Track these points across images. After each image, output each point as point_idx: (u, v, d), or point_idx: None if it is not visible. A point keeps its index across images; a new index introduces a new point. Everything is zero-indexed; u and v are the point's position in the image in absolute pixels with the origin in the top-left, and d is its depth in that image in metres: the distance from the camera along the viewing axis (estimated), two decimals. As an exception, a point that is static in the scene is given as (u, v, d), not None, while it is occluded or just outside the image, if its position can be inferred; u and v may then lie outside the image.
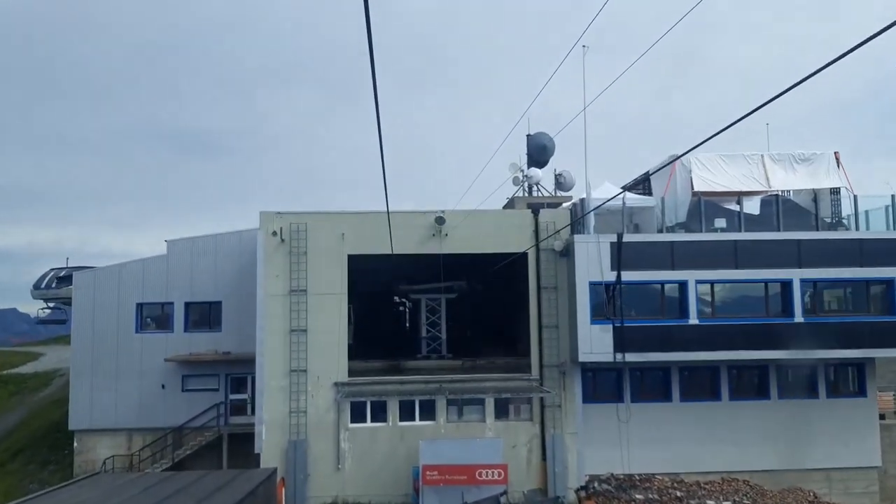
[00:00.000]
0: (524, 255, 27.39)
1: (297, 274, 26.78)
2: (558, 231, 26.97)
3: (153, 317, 32.07)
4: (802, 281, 26.20)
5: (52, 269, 40.61)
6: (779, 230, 26.87)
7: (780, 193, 27.50)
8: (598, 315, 26.01)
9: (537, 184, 42.07)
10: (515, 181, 41.42)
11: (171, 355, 30.82)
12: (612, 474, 27.04)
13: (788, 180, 27.51)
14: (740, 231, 26.76)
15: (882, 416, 28.75)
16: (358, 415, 26.80)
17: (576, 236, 26.43)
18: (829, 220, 27.74)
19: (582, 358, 25.90)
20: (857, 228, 27.01)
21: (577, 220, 26.87)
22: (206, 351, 31.15)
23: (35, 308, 48.85)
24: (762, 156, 27.86)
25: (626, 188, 27.99)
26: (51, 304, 41.58)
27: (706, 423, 27.47)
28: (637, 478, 26.92)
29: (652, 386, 28.15)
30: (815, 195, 27.45)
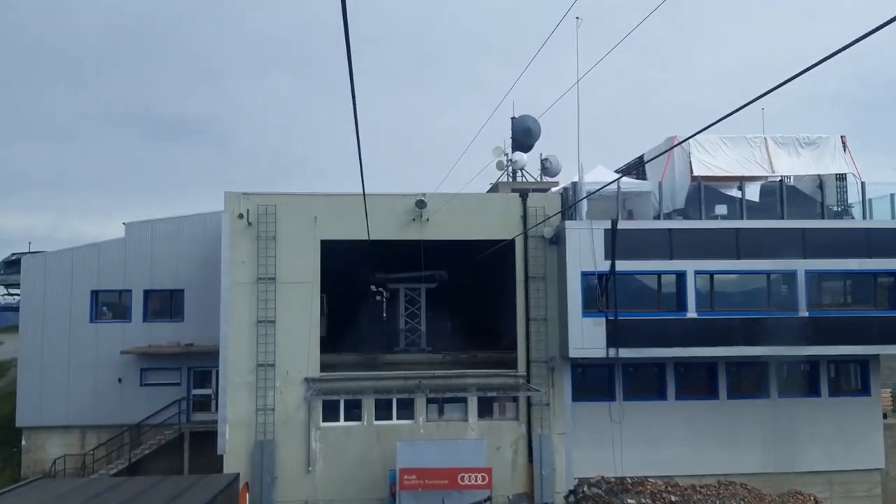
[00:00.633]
0: (511, 243, 25.48)
1: (265, 260, 24.63)
2: (548, 217, 25.08)
3: (109, 305, 29.73)
4: (807, 272, 24.56)
5: (13, 254, 38.21)
6: (782, 218, 25.21)
7: (783, 179, 25.80)
8: (590, 307, 24.20)
9: (522, 169, 40.24)
10: (499, 166, 39.56)
11: (128, 347, 28.52)
12: (602, 477, 25.33)
13: (793, 165, 25.78)
14: (742, 218, 25.05)
15: (884, 416, 27.30)
16: (330, 413, 24.79)
17: (567, 222, 24.55)
18: (834, 209, 26.12)
19: (573, 353, 24.08)
20: (864, 217, 25.41)
21: (570, 206, 24.98)
22: (166, 343, 28.92)
23: (-5, 294, 46.39)
24: (765, 139, 26.11)
25: (621, 171, 26.16)
26: (11, 291, 39.21)
27: (702, 422, 25.81)
28: (629, 481, 25.24)
29: (645, 383, 26.39)
30: (821, 181, 25.78)
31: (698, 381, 26.44)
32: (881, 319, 24.66)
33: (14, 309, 42.32)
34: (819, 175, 25.87)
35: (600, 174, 26.39)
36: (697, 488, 25.15)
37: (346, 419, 24.81)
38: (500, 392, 24.65)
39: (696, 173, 25.57)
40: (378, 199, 24.96)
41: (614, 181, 23.50)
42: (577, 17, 23.54)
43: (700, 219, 25.01)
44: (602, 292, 24.20)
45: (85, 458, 27.99)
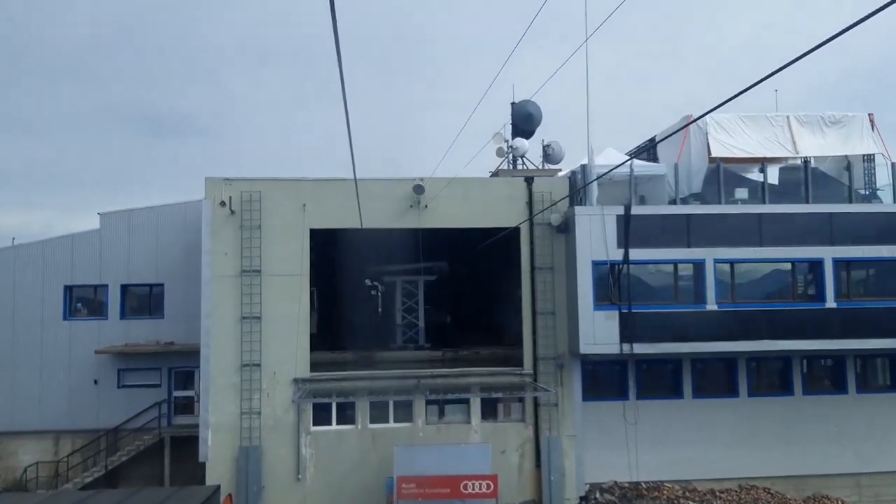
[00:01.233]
0: (516, 231, 23.62)
1: (249, 251, 22.70)
2: (555, 203, 23.21)
3: (84, 301, 27.76)
4: (835, 260, 22.78)
5: None
6: (807, 202, 23.42)
7: (807, 160, 23.99)
8: (601, 300, 22.38)
9: (523, 156, 38.37)
10: (500, 153, 37.66)
11: (104, 346, 26.56)
12: (615, 482, 23.60)
13: (818, 145, 24.01)
14: (764, 203, 23.25)
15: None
16: (322, 416, 22.91)
17: (577, 208, 22.70)
18: (862, 192, 24.34)
19: (584, 350, 22.24)
20: (895, 200, 23.64)
21: (580, 189, 23.11)
22: (145, 341, 26.97)
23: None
24: (787, 117, 24.35)
25: (633, 153, 24.32)
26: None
27: (721, 422, 24.05)
28: (644, 486, 23.52)
29: (660, 381, 24.65)
30: (849, 162, 23.98)
31: (717, 378, 24.72)
32: (915, 310, 22.89)
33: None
34: (846, 156, 24.08)
35: (610, 157, 24.49)
36: (717, 493, 23.44)
37: (338, 423, 22.95)
38: (507, 392, 22.77)
39: (713, 155, 23.81)
40: (372, 185, 23.11)
41: (627, 161, 21.65)
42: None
43: (719, 203, 23.19)
44: (615, 283, 22.39)
45: (59, 466, 26.04)
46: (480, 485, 20.82)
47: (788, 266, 23.22)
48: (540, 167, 38.30)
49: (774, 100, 26.99)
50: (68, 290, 27.35)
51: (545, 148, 38.84)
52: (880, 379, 25.14)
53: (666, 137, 25.02)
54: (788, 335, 22.46)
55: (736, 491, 23.57)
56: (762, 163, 23.68)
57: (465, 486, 20.76)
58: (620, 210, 22.46)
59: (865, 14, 5.46)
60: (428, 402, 22.96)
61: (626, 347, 22.05)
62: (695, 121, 22.13)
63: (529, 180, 24.38)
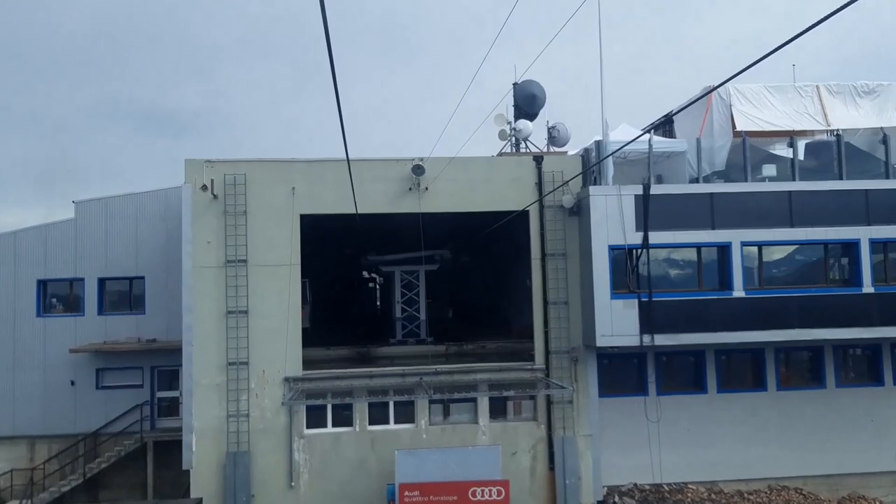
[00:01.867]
0: (524, 215, 21.77)
1: (234, 240, 20.80)
2: (566, 182, 21.32)
3: (59, 297, 25.81)
4: (871, 241, 20.96)
5: None
6: (841, 178, 21.55)
7: (839, 133, 22.11)
8: (619, 288, 20.53)
9: (526, 138, 36.52)
10: (502, 135, 35.79)
11: (81, 344, 24.64)
12: (635, 485, 21.83)
13: (850, 117, 22.19)
14: (794, 180, 21.38)
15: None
16: (316, 418, 21.08)
17: (591, 188, 20.81)
18: (899, 167, 22.48)
19: (600, 342, 20.39)
20: (936, 176, 21.79)
21: (593, 166, 21.22)
22: (125, 338, 25.05)
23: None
24: (817, 87, 22.52)
25: (651, 127, 22.43)
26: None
27: (748, 418, 22.29)
28: (666, 488, 21.75)
29: (681, 374, 22.86)
30: (885, 135, 22.09)
31: (743, 371, 22.92)
32: (959, 295, 21.08)
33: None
34: (881, 128, 22.19)
35: (625, 134, 22.63)
36: (745, 494, 21.69)
37: (334, 425, 21.13)
38: (518, 390, 20.89)
39: (738, 128, 21.95)
40: (368, 166, 21.33)
41: (647, 131, 19.75)
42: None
43: (745, 181, 21.31)
44: (633, 269, 20.54)
45: (34, 473, 24.12)
46: (490, 491, 19.03)
47: (821, 248, 21.37)
48: (544, 150, 36.48)
49: (792, 76, 25.19)
50: (42, 284, 25.39)
51: (550, 130, 36.79)
52: (918, 369, 23.31)
53: (684, 108, 23.16)
54: (821, 323, 20.63)
55: (765, 492, 21.82)
56: (791, 136, 21.78)
57: (474, 493, 18.97)
58: (638, 189, 20.60)
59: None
60: (431, 402, 21.11)
61: (646, 339, 20.23)
62: (715, 88, 20.18)
63: (539, 159, 22.53)
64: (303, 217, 21.21)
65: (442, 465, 19.33)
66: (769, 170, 21.79)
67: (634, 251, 20.49)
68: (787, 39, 6.47)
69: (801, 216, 20.89)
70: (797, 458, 22.17)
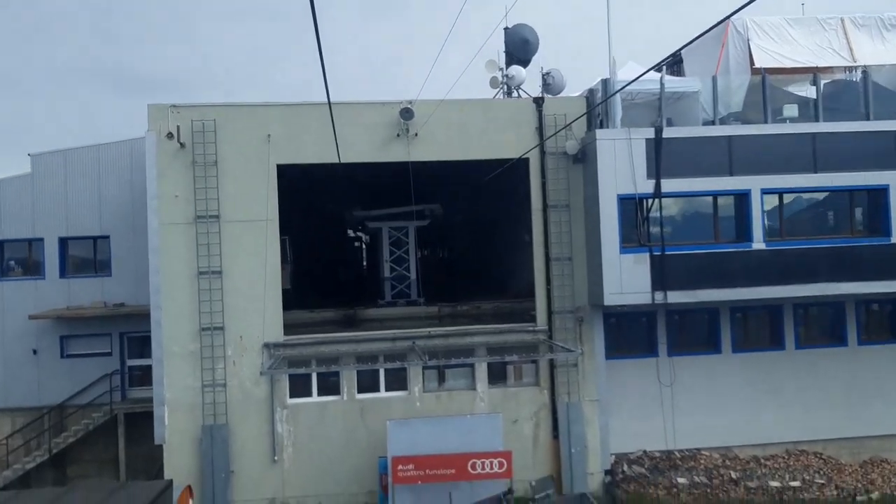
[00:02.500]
0: (524, 162, 19.90)
1: (204, 193, 18.81)
2: (570, 124, 19.42)
3: (17, 259, 23.76)
4: (901, 188, 19.30)
5: None
6: (867, 119, 19.76)
7: (865, 70, 20.25)
8: (629, 242, 18.81)
9: (519, 86, 34.47)
10: (494, 83, 33.71)
11: (41, 310, 22.69)
12: (645, 452, 20.40)
13: (878, 52, 20.39)
14: (818, 121, 19.59)
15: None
16: (300, 386, 19.37)
17: (598, 132, 18.94)
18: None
19: (608, 300, 18.72)
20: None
21: (599, 103, 19.32)
22: (90, 303, 23.12)
23: None
24: (842, 20, 20.66)
25: (662, 63, 20.45)
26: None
27: (765, 379, 20.83)
28: (678, 455, 20.34)
29: (694, 333, 21.30)
30: (916, 72, 20.29)
31: (760, 329, 21.45)
32: None
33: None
34: (912, 64, 20.39)
35: (633, 73, 20.60)
36: (761, 460, 20.36)
37: (320, 393, 19.45)
38: (520, 354, 19.19)
39: (757, 65, 20.09)
40: (351, 110, 19.32)
41: (659, 65, 17.74)
42: None
43: (765, 123, 19.49)
44: (644, 221, 18.79)
45: (-3, 450, 22.38)
46: (491, 463, 17.44)
47: (847, 195, 19.70)
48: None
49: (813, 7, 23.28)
50: (-2, 245, 23.34)
51: (544, 76, 34.53)
52: (945, 324, 21.91)
53: (694, 40, 21.07)
54: (847, 276, 19.08)
55: (783, 457, 20.47)
56: (814, 73, 19.93)
57: (474, 466, 17.37)
58: (649, 133, 18.76)
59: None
60: (425, 367, 19.42)
61: (658, 296, 18.58)
62: (731, 15, 18.18)
63: (539, 101, 20.59)
64: (280, 167, 19.25)
65: (438, 435, 17.70)
66: (790, 110, 19.94)
67: (645, 201, 18.74)
68: None
69: (825, 161, 19.18)
70: (816, 420, 20.80)
